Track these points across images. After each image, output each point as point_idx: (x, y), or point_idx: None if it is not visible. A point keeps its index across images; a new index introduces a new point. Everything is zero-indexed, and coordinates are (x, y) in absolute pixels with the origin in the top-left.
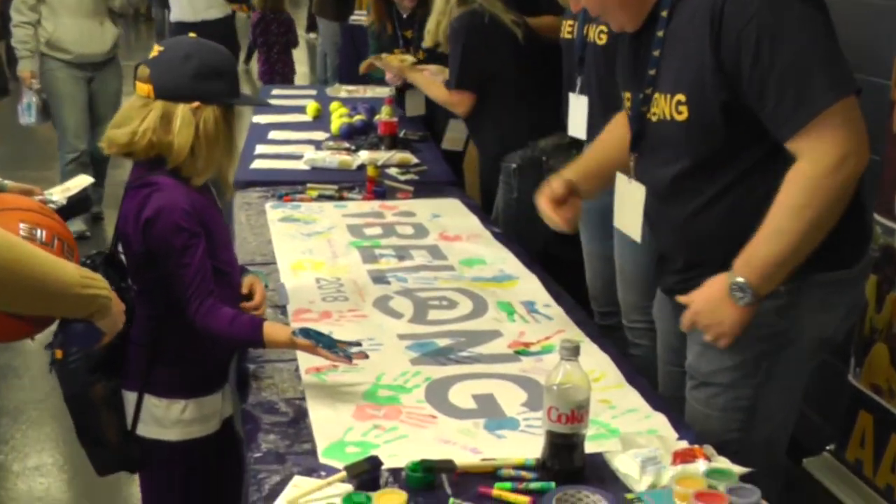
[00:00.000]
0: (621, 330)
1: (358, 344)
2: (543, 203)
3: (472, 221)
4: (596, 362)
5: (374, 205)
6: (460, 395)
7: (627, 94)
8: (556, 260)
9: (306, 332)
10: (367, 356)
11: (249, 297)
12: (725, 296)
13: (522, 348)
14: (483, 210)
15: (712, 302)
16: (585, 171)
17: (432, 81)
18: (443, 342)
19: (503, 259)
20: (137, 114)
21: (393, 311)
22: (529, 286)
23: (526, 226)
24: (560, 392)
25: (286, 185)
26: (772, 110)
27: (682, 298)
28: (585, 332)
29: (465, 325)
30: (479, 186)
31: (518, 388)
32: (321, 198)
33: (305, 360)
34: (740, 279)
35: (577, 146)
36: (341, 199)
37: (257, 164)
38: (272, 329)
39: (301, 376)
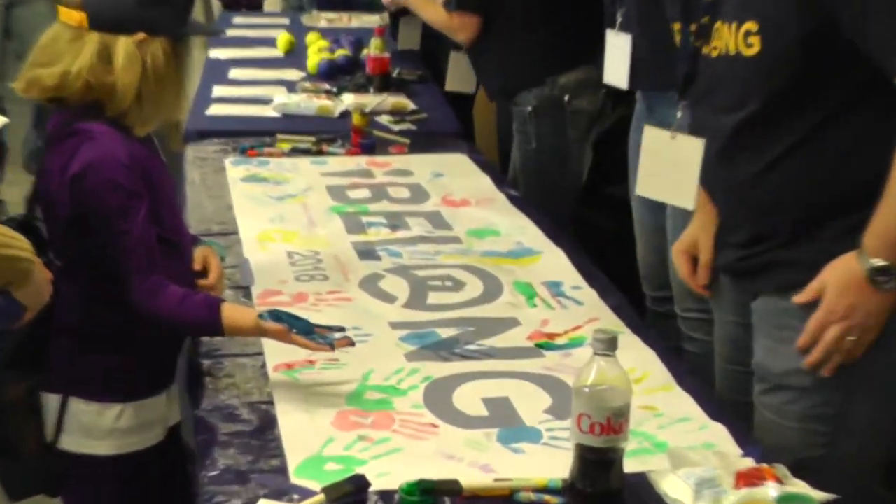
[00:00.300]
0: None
1: (341, 329)
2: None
3: (484, 182)
4: (638, 358)
5: (361, 161)
6: (468, 399)
7: (677, 26)
8: (589, 228)
9: (276, 315)
10: (352, 343)
11: (203, 274)
12: (865, 283)
13: (545, 341)
14: (500, 168)
15: (850, 294)
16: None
17: (430, 2)
18: (446, 333)
19: (522, 228)
20: (67, 49)
21: (384, 293)
22: (555, 263)
23: (548, 185)
24: (593, 395)
25: (251, 137)
26: (880, 35)
27: (799, 298)
28: (625, 321)
29: (473, 311)
30: (497, 138)
31: (540, 390)
32: (295, 152)
33: (274, 354)
34: (880, 262)
35: (611, 92)
36: (320, 153)
37: (215, 109)
38: (233, 311)
39: (269, 374)
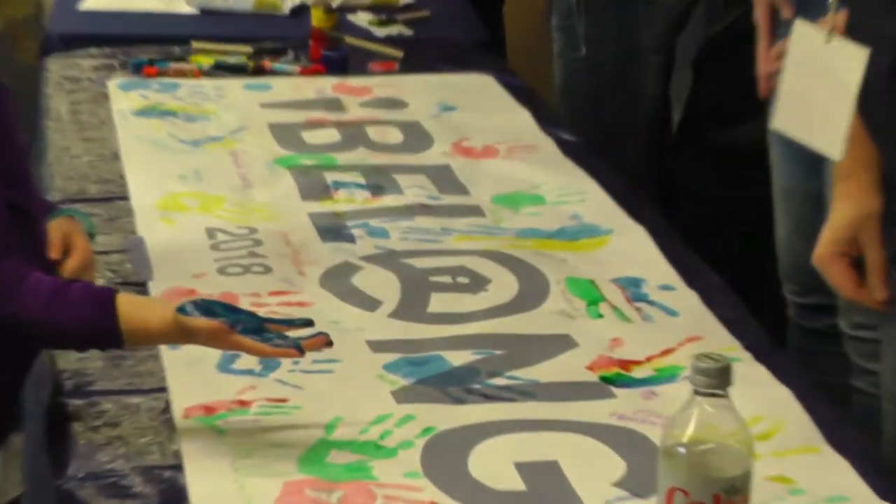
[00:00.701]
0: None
1: (308, 323)
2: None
3: (520, 119)
4: (766, 401)
5: (325, 86)
6: (492, 465)
7: None
8: (688, 195)
9: (206, 307)
10: (329, 343)
11: (60, 261)
12: None
13: (617, 372)
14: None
15: None
16: None
17: None
18: (458, 359)
19: (581, 193)
20: None
21: (360, 295)
22: (633, 248)
23: (607, 123)
24: (693, 460)
25: (149, 45)
26: None
27: None
28: (745, 342)
29: (502, 324)
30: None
31: (608, 450)
32: (220, 70)
33: (185, 390)
34: None
35: None
36: (259, 72)
37: (91, 3)
38: (134, 306)
39: (175, 422)
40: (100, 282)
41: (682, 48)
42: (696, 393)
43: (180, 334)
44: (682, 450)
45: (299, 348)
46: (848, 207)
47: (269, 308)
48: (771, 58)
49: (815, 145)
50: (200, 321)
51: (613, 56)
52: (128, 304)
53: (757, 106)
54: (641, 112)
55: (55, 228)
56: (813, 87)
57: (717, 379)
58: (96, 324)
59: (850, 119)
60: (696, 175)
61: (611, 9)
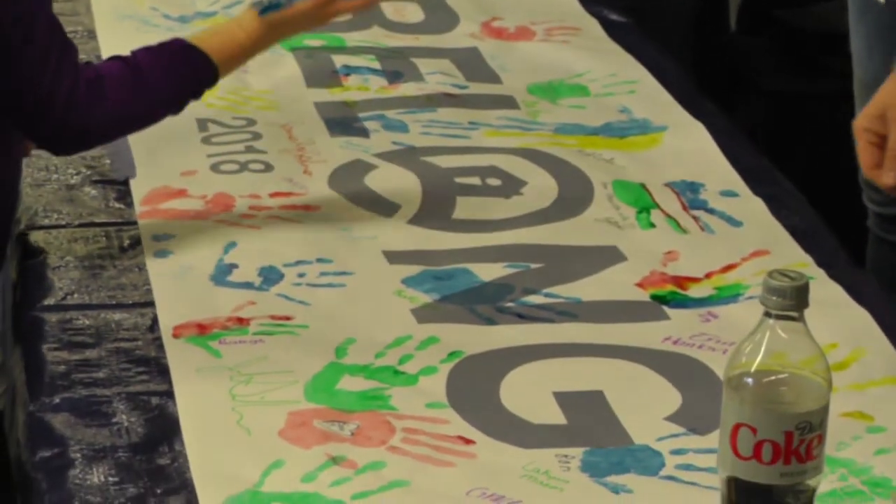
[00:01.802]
0: None
1: None
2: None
3: None
4: (843, 326)
5: None
6: (528, 394)
7: None
8: (752, 86)
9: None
10: None
11: None
12: None
13: (671, 289)
14: None
15: None
16: None
17: None
18: (488, 272)
19: (631, 82)
20: None
21: (375, 197)
22: (690, 147)
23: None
24: (761, 391)
25: None
26: None
27: None
28: (818, 259)
29: (539, 233)
30: None
31: (661, 379)
32: None
33: (173, 303)
34: None
35: None
36: None
37: None
38: (210, 35)
39: (162, 340)
40: (75, 179)
41: None
42: (767, 315)
43: (274, 32)
44: (749, 380)
45: None
46: (890, 85)
47: (272, 212)
48: None
49: None
50: (295, 5)
51: None
52: (205, 38)
53: None
54: None
55: None
56: None
57: (792, 300)
58: (189, 76)
59: None
60: (762, 64)
61: None
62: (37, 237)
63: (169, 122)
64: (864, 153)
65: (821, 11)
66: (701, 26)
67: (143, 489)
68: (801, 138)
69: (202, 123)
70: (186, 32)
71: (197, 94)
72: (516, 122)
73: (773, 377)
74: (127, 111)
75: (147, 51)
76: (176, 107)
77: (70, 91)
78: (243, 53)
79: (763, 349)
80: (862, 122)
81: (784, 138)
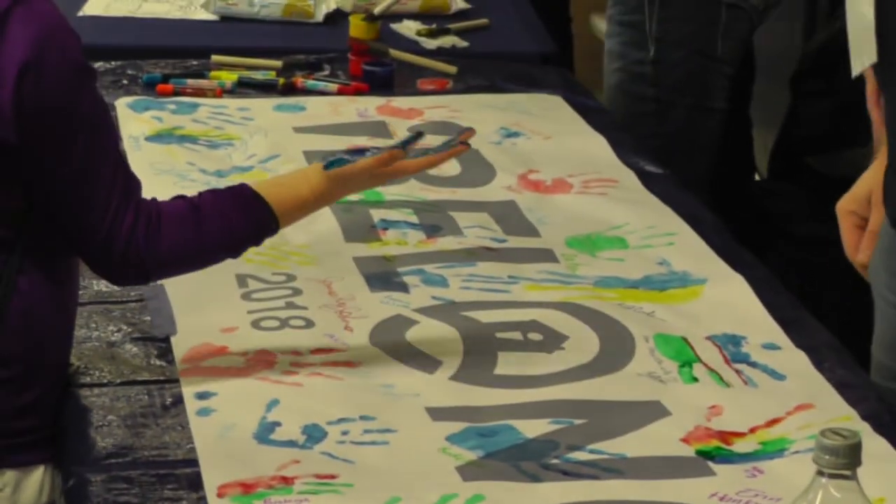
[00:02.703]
0: None
1: (419, 135)
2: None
3: (596, 145)
4: (889, 481)
5: (367, 106)
6: None
7: None
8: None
9: (339, 160)
10: (466, 145)
11: None
12: None
13: (717, 445)
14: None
15: None
16: None
17: None
18: (532, 429)
19: (669, 234)
20: None
21: (416, 354)
22: (732, 300)
23: (684, 144)
24: None
25: (162, 59)
26: None
27: None
28: (861, 411)
29: (582, 389)
30: None
31: None
32: (245, 87)
33: (217, 466)
34: None
35: None
36: (291, 90)
37: (95, 6)
38: (276, 186)
39: (207, 499)
40: (116, 336)
41: (771, 61)
42: (820, 474)
43: (337, 188)
44: None
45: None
46: (873, 168)
47: (314, 369)
48: None
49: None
50: (358, 163)
51: (693, 55)
52: (270, 187)
53: (867, 130)
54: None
55: None
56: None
57: (846, 458)
58: (251, 225)
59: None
60: (794, 211)
61: (689, 5)
62: (79, 395)
63: (208, 277)
64: (848, 235)
65: (853, 156)
66: (726, 172)
67: None
68: (833, 288)
69: (241, 279)
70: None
71: (257, 242)
72: (556, 275)
73: None
74: (184, 250)
75: (213, 194)
76: (234, 252)
77: (131, 228)
78: (305, 207)
79: None
80: (846, 205)
81: (816, 288)
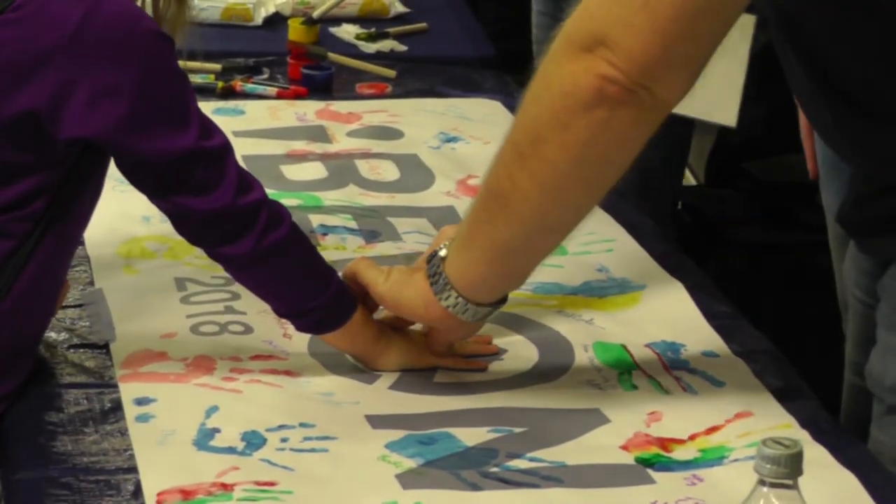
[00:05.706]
0: None
1: None
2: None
3: None
4: (829, 491)
5: (307, 111)
6: None
7: None
8: (734, 243)
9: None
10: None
11: None
12: None
13: (656, 452)
14: None
15: None
16: None
17: None
18: (472, 437)
19: (608, 241)
20: None
21: (356, 364)
22: (670, 307)
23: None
24: None
25: None
26: None
27: None
28: (800, 418)
29: (522, 396)
30: None
31: None
32: None
33: (156, 473)
34: None
35: None
36: (229, 94)
37: None
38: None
39: None
40: (55, 341)
41: None
42: (762, 483)
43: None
44: None
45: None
46: None
47: (253, 375)
48: None
49: (713, 119)
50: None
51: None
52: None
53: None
54: (676, 137)
55: None
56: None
57: (787, 468)
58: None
59: (741, 86)
60: (733, 216)
61: None
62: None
63: (147, 282)
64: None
65: (790, 162)
66: (661, 179)
67: None
68: (771, 289)
69: (180, 283)
70: None
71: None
72: None
73: None
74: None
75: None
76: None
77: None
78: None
79: None
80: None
81: (753, 293)
